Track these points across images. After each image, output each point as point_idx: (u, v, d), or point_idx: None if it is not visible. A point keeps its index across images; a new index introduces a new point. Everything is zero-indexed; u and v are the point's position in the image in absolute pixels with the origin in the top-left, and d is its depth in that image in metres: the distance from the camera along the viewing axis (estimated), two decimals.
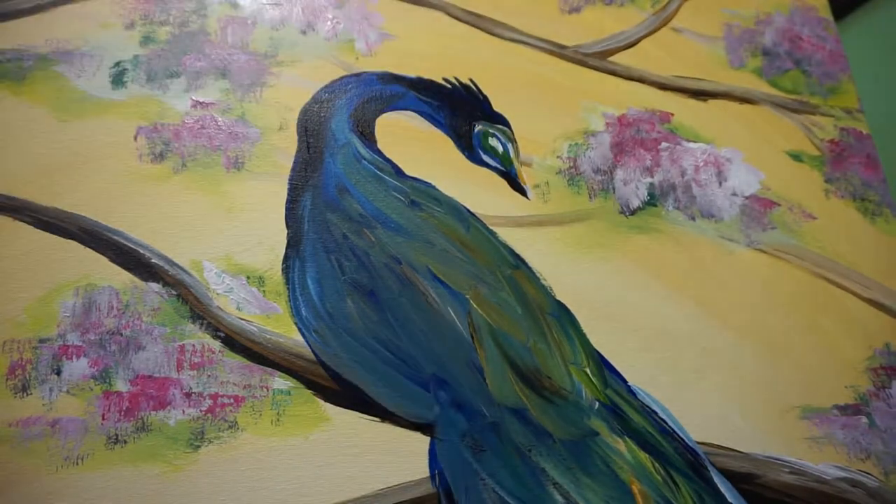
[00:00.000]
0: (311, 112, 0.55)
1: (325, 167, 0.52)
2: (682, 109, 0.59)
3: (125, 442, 0.44)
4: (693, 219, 0.55)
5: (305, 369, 0.47)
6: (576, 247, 0.53)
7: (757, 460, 0.47)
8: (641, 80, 0.60)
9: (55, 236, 0.49)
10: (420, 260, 0.49)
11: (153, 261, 0.49)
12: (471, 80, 0.57)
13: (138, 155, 0.52)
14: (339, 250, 0.50)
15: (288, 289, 0.49)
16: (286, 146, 0.54)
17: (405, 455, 0.45)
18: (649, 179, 0.56)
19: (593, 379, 0.48)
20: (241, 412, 0.45)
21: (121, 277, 0.48)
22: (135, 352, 0.46)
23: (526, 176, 0.55)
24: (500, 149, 0.55)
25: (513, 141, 0.56)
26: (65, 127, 0.53)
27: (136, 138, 0.53)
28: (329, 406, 0.46)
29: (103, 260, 0.49)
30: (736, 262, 0.53)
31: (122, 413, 0.45)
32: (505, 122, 0.56)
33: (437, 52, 0.59)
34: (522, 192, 0.55)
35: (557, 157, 0.56)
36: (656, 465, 0.46)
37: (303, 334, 0.48)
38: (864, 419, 0.49)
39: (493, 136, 0.55)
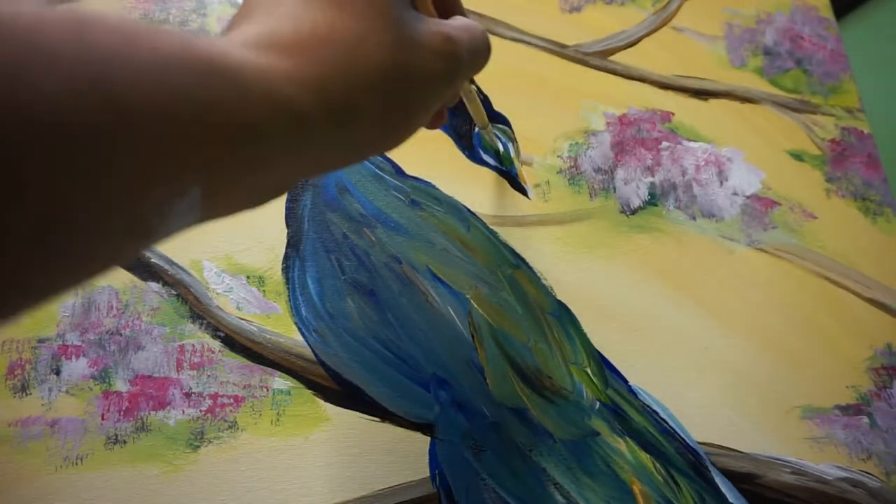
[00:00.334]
0: None
1: None
2: (683, 109, 0.59)
3: (125, 442, 0.44)
4: (694, 218, 0.55)
5: (305, 369, 0.47)
6: (576, 246, 0.53)
7: (758, 460, 0.47)
8: (642, 80, 0.60)
9: None
10: (420, 259, 0.49)
11: (153, 260, 0.49)
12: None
13: None
14: (339, 250, 0.49)
15: (288, 288, 0.49)
16: None
17: (405, 455, 0.45)
18: (650, 179, 0.56)
19: (594, 379, 0.48)
20: (241, 412, 0.45)
21: (120, 277, 0.48)
22: (134, 352, 0.46)
23: (526, 175, 0.55)
24: (501, 148, 0.55)
25: (513, 140, 0.55)
26: None
27: None
28: (329, 406, 0.46)
29: None
30: (737, 261, 0.53)
31: (122, 413, 0.45)
32: (505, 122, 0.56)
33: None
34: (523, 191, 0.54)
35: (558, 156, 0.56)
36: (657, 465, 0.45)
37: (303, 334, 0.48)
38: (865, 419, 0.49)
39: (494, 135, 0.55)
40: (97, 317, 0.47)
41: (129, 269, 0.49)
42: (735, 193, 0.56)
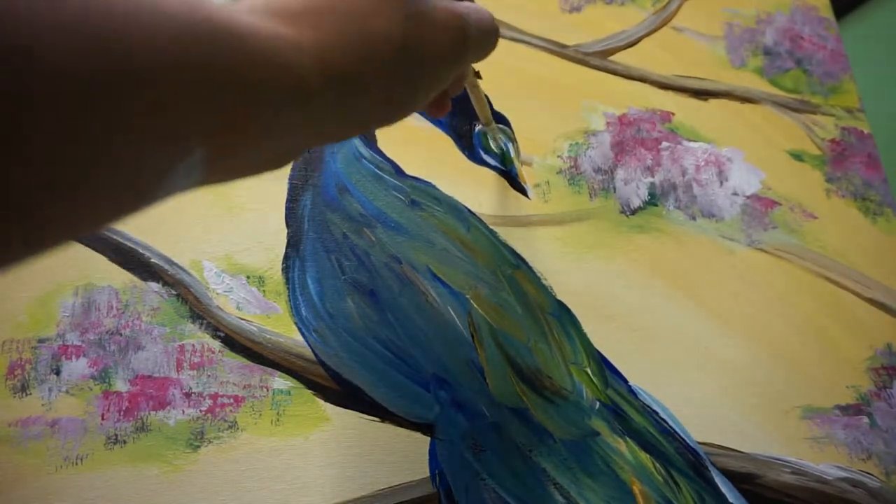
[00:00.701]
0: None
1: (325, 166, 0.52)
2: (683, 109, 0.59)
3: (125, 442, 0.44)
4: (694, 218, 0.55)
5: (305, 369, 0.47)
6: (576, 246, 0.53)
7: (758, 460, 0.47)
8: (642, 80, 0.60)
9: None
10: (420, 259, 0.49)
11: (153, 260, 0.49)
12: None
13: None
14: (339, 250, 0.49)
15: (288, 288, 0.49)
16: None
17: (405, 455, 0.45)
18: (650, 179, 0.56)
19: (594, 379, 0.48)
20: (241, 412, 0.45)
21: (120, 277, 0.48)
22: (134, 352, 0.46)
23: (526, 175, 0.55)
24: (501, 148, 0.55)
25: (513, 140, 0.55)
26: None
27: None
28: (329, 406, 0.46)
29: (103, 259, 0.49)
30: (737, 261, 0.53)
31: (122, 413, 0.45)
32: (505, 122, 0.56)
33: None
34: (523, 191, 0.54)
35: (558, 156, 0.56)
36: (657, 465, 0.45)
37: (303, 334, 0.48)
38: (865, 419, 0.49)
39: (497, 133, 0.55)
40: (97, 317, 0.47)
41: (128, 268, 0.49)
42: (735, 193, 0.56)
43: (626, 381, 0.48)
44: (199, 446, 0.44)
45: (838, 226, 0.56)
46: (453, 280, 0.49)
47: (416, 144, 0.55)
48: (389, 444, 0.45)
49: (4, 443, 0.43)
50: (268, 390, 0.46)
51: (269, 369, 0.47)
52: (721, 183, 0.56)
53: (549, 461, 0.45)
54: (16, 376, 0.45)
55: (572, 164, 0.56)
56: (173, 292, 0.48)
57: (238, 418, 0.45)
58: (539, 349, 0.48)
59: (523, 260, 0.51)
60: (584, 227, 0.53)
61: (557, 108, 0.58)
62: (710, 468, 0.46)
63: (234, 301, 0.48)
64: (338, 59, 0.25)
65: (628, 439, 0.46)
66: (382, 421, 0.46)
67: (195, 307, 0.48)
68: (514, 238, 0.52)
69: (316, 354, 0.47)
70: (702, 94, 0.60)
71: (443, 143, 0.55)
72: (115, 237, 0.49)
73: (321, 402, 0.46)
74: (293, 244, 0.50)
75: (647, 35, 0.62)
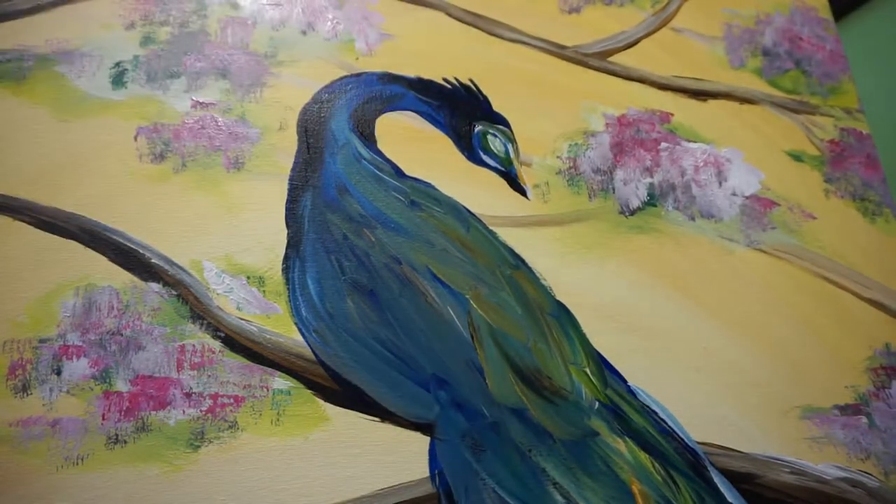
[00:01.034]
0: (311, 112, 0.55)
1: (325, 167, 0.52)
2: (682, 109, 0.59)
3: (125, 442, 0.44)
4: (693, 219, 0.55)
5: (305, 369, 0.47)
6: (576, 247, 0.53)
7: (757, 460, 0.47)
8: (641, 81, 0.60)
9: (55, 236, 0.49)
10: (420, 260, 0.49)
11: (153, 261, 0.49)
12: (471, 80, 0.57)
13: (138, 155, 0.52)
14: (339, 250, 0.50)
15: (288, 289, 0.49)
16: (286, 146, 0.54)
17: (405, 455, 0.45)
18: (649, 179, 0.56)
19: (593, 379, 0.48)
20: (241, 412, 0.45)
21: (121, 277, 0.49)
22: (135, 352, 0.46)
23: (526, 176, 0.55)
24: (500, 149, 0.55)
25: (513, 141, 0.56)
26: (65, 127, 0.53)
27: (136, 138, 0.53)
28: (329, 406, 0.46)
29: (103, 260, 0.49)
30: (736, 261, 0.53)
31: (122, 413, 0.45)
32: (505, 123, 0.56)
33: (437, 52, 0.59)
34: (522, 192, 0.55)
35: (557, 157, 0.56)
36: (656, 465, 0.46)
37: (303, 334, 0.48)
38: (864, 419, 0.49)
39: (493, 136, 0.55)
40: (98, 317, 0.47)
41: (129, 269, 0.49)
42: (734, 194, 0.56)
43: (625, 381, 0.49)
44: (199, 446, 0.44)
45: (837, 226, 0.56)
46: (453, 280, 0.49)
47: (416, 144, 0.55)
48: (389, 444, 0.45)
49: (5, 443, 0.43)
50: (268, 390, 0.46)
51: (269, 369, 0.47)
52: (720, 183, 0.56)
53: (549, 461, 0.45)
54: (17, 376, 0.45)
55: (572, 164, 0.56)
56: (174, 293, 0.48)
57: (238, 418, 0.45)
58: (538, 349, 0.48)
59: (523, 260, 0.51)
60: (584, 228, 0.54)
61: (557, 109, 0.58)
62: (710, 468, 0.46)
63: (234, 301, 0.48)
64: None
65: (627, 439, 0.46)
66: (382, 421, 0.46)
67: (195, 307, 0.48)
68: (514, 238, 0.52)
69: (316, 354, 0.47)
70: (701, 94, 0.60)
71: (443, 143, 0.55)
72: (115, 238, 0.50)
73: (321, 402, 0.46)
74: (293, 245, 0.50)
75: (647, 36, 0.62)
